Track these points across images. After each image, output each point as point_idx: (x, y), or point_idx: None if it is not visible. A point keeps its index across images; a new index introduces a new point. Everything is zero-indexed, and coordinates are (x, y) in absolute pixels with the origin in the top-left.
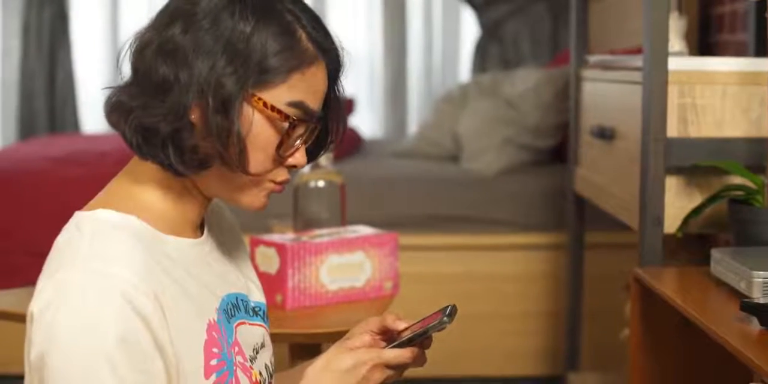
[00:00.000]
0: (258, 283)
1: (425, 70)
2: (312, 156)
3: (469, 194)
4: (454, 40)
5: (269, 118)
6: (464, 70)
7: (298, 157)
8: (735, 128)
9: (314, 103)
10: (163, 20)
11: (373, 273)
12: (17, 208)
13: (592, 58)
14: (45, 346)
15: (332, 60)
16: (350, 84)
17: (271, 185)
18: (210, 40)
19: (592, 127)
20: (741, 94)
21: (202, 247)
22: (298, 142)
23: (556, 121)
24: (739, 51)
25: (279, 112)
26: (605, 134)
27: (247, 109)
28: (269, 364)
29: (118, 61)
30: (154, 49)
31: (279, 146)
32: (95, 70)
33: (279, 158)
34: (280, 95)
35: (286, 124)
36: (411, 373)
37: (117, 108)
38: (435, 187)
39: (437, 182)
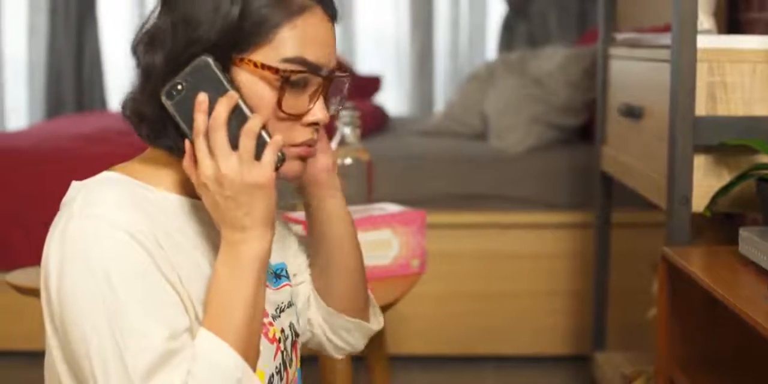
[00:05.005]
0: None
1: (452, 47)
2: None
3: (496, 172)
4: (481, 18)
5: (264, 78)
6: (491, 48)
7: (316, 112)
8: (764, 106)
9: (318, 52)
10: (152, 14)
11: (400, 251)
12: (45, 185)
13: (620, 36)
14: (59, 295)
15: (328, 5)
16: (377, 61)
17: (295, 150)
18: (186, 16)
19: (619, 106)
20: None
21: None
22: (309, 97)
23: (584, 100)
24: None
25: (269, 68)
26: (633, 113)
27: (238, 75)
28: (295, 323)
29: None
30: (143, 41)
31: (279, 104)
32: (122, 49)
33: (289, 117)
34: (274, 52)
35: (279, 80)
36: (437, 351)
37: (127, 107)
38: (462, 166)
39: (464, 160)
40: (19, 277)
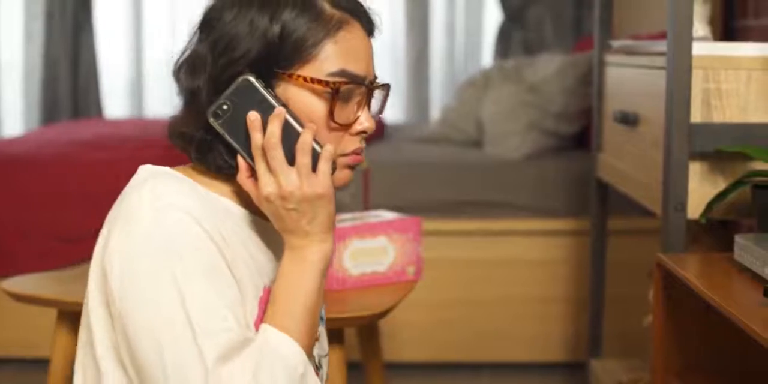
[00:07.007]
0: None
1: (448, 54)
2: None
3: (491, 180)
4: (477, 25)
5: (314, 91)
6: (487, 55)
7: (363, 121)
8: (759, 113)
9: (359, 64)
10: (190, 40)
11: (395, 258)
12: (43, 191)
13: (616, 43)
14: (123, 292)
15: (365, 19)
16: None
17: (345, 159)
18: (224, 37)
19: (615, 113)
20: (766, 79)
21: (273, 234)
22: (355, 107)
23: (580, 107)
24: (763, 36)
25: (319, 81)
26: (628, 119)
27: (286, 91)
28: (317, 355)
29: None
30: (183, 67)
31: (331, 114)
32: (118, 55)
33: (340, 127)
34: (319, 67)
35: (329, 92)
36: (433, 358)
37: (173, 132)
38: (458, 173)
39: (460, 168)
40: (16, 284)
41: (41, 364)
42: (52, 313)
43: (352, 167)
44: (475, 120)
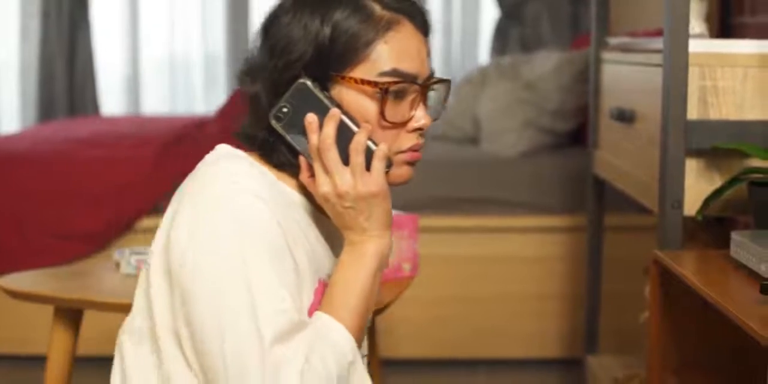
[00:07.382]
0: None
1: (445, 52)
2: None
3: (488, 177)
4: (473, 22)
5: (365, 92)
6: (484, 53)
7: (419, 118)
8: (756, 111)
9: (412, 63)
10: (253, 46)
11: (391, 255)
12: (39, 189)
13: (613, 41)
14: (187, 270)
15: (418, 19)
16: None
17: (402, 156)
18: (280, 42)
19: (611, 110)
20: (762, 77)
21: (333, 230)
22: (410, 105)
23: (576, 104)
24: (760, 33)
25: (368, 82)
26: (625, 116)
27: (340, 92)
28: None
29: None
30: (246, 71)
31: (382, 114)
32: (115, 53)
33: (393, 126)
34: (371, 67)
35: (379, 93)
36: (429, 354)
37: (240, 133)
38: (454, 170)
39: (456, 164)
40: (12, 281)
41: (38, 361)
42: (49, 310)
43: (410, 164)
44: (472, 117)
